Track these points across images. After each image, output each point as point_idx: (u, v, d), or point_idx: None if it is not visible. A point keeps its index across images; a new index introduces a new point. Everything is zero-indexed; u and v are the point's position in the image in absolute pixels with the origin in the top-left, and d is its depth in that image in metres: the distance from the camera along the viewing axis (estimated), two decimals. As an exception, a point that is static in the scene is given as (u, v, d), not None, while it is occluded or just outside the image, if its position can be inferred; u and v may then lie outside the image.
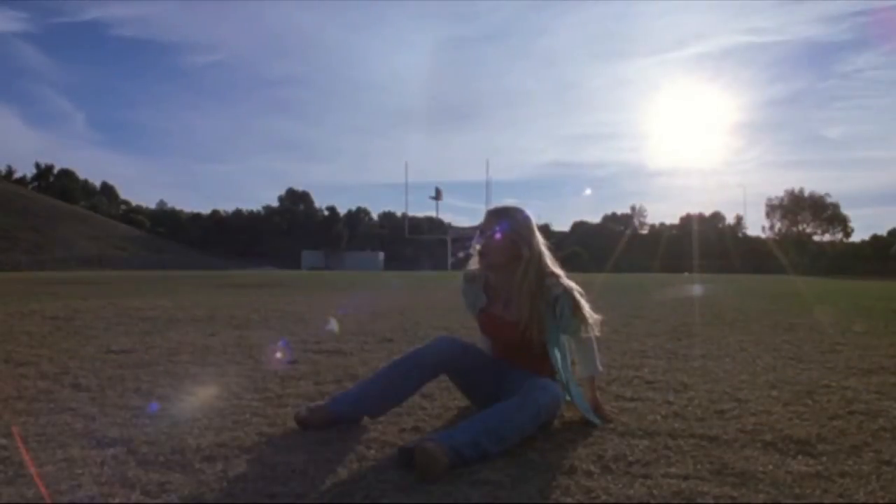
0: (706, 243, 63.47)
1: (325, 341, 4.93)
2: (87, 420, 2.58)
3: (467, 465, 2.04)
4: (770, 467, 2.08)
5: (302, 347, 4.60)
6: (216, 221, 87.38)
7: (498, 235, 2.62)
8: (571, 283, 2.65)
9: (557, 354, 2.65)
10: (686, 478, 1.98)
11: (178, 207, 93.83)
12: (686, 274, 35.33)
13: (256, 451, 2.20)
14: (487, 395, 2.64)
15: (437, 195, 61.57)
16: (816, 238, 69.01)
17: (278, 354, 4.23)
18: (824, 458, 2.17)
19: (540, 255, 2.65)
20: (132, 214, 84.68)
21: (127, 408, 2.79)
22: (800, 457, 2.19)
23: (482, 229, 2.68)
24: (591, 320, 2.66)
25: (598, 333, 2.73)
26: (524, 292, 2.60)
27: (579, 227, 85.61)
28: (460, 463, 2.04)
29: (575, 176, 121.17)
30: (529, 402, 2.33)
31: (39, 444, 2.25)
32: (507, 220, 2.64)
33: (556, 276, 2.64)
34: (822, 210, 68.61)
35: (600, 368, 2.79)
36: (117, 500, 1.76)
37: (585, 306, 2.65)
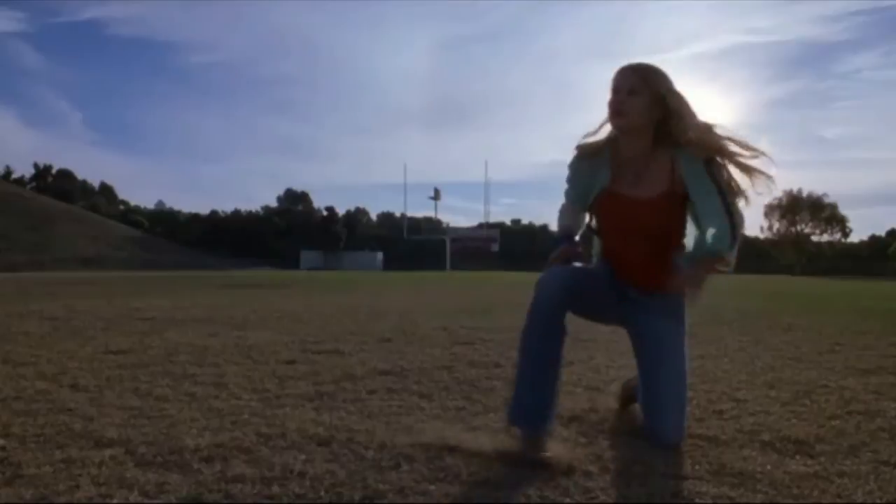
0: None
1: (323, 341, 4.93)
2: (86, 420, 2.58)
3: None
4: (768, 467, 2.08)
5: (300, 348, 4.60)
6: (215, 222, 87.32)
7: (635, 92, 2.24)
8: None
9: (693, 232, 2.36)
10: (684, 478, 1.98)
11: (176, 208, 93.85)
12: None
13: (255, 452, 2.20)
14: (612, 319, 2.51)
15: (436, 195, 61.62)
16: (815, 238, 69.03)
17: None
18: (822, 459, 2.17)
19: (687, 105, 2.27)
20: (130, 215, 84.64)
21: (125, 408, 2.79)
22: (798, 457, 2.20)
23: (616, 87, 2.28)
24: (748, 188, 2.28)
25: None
26: (698, 138, 2.21)
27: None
28: None
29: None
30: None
31: (38, 445, 2.25)
32: (647, 73, 2.27)
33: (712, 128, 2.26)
34: (821, 210, 68.60)
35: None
36: (115, 501, 1.76)
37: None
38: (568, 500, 1.81)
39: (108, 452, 2.17)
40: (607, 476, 2.01)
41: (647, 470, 2.05)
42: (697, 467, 2.08)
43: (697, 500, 1.81)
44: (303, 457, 2.14)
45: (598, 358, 4.13)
